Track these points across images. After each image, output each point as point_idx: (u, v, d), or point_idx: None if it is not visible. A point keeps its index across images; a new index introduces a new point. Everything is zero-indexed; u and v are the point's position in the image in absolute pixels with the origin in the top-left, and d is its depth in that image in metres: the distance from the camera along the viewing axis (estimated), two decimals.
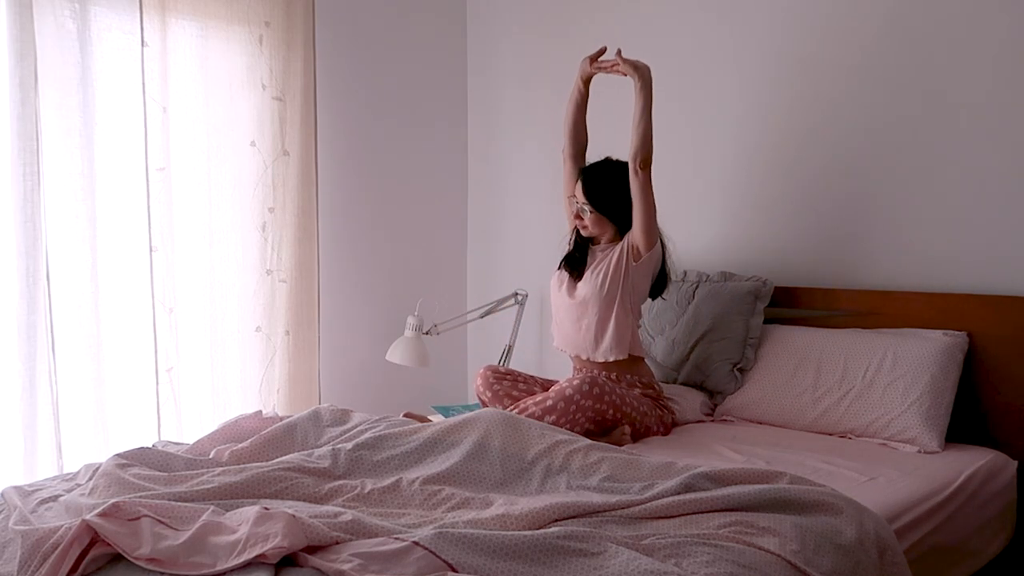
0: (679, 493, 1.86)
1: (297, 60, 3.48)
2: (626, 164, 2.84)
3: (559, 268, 2.99)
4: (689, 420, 2.92)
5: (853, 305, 2.98)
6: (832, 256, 3.09)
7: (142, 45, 3.10)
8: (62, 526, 1.65)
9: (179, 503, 1.78)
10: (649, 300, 3.00)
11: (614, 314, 2.80)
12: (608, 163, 2.91)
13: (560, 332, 2.97)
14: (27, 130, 2.84)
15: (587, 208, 2.86)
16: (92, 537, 1.61)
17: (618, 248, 2.84)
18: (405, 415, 2.68)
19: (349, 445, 2.17)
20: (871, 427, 2.67)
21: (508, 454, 2.12)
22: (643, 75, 2.75)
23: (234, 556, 1.55)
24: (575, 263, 2.94)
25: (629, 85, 2.78)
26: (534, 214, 3.99)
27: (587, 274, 2.88)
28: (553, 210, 3.88)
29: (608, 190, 2.85)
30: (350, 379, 3.83)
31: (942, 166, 2.85)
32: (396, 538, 1.59)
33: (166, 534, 1.64)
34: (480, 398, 2.89)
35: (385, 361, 3.60)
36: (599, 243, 2.93)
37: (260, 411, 2.51)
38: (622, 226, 2.87)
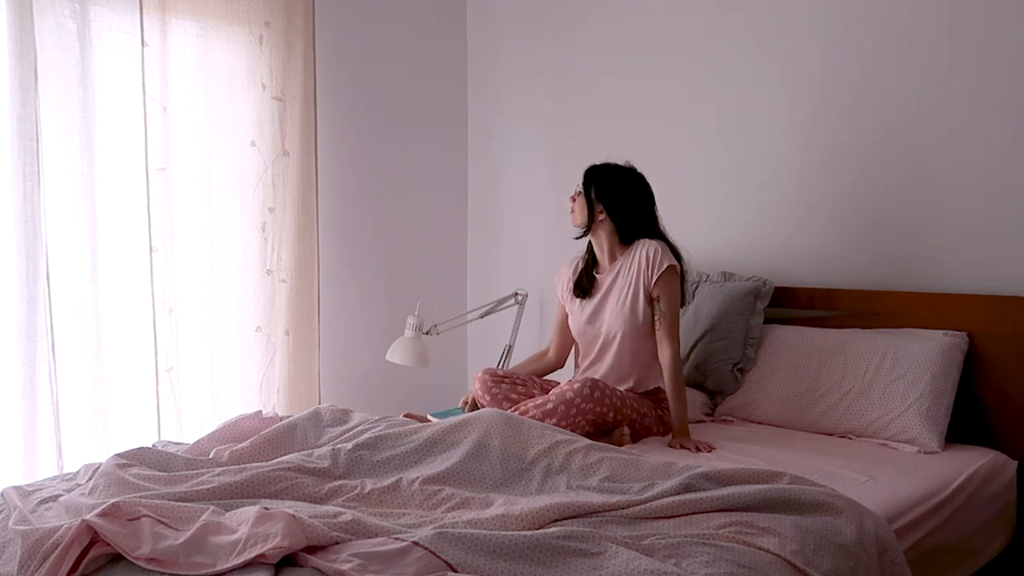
0: (679, 493, 1.86)
1: (297, 60, 3.48)
2: (630, 170, 2.85)
3: (574, 297, 2.96)
4: (688, 420, 2.92)
5: (853, 305, 2.98)
6: (832, 256, 3.09)
7: (142, 45, 3.10)
8: (62, 526, 1.65)
9: (179, 503, 1.78)
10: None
11: (644, 347, 2.80)
12: (612, 167, 2.88)
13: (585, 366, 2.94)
14: (27, 130, 2.84)
15: (580, 192, 2.86)
16: (92, 537, 1.61)
17: (636, 285, 2.79)
18: (405, 416, 2.67)
19: (349, 445, 2.17)
20: (871, 427, 2.67)
21: (508, 454, 2.12)
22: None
23: (234, 556, 1.55)
24: (583, 289, 2.93)
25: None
26: (534, 214, 3.99)
27: (609, 306, 2.85)
28: (553, 210, 3.88)
29: (606, 182, 2.84)
30: (350, 379, 3.83)
31: (942, 166, 2.84)
32: (396, 538, 1.59)
33: (166, 534, 1.64)
34: (479, 402, 2.88)
35: (385, 361, 3.60)
36: (602, 270, 2.91)
37: (260, 411, 2.51)
38: (618, 227, 2.84)
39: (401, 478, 2.03)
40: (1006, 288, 2.73)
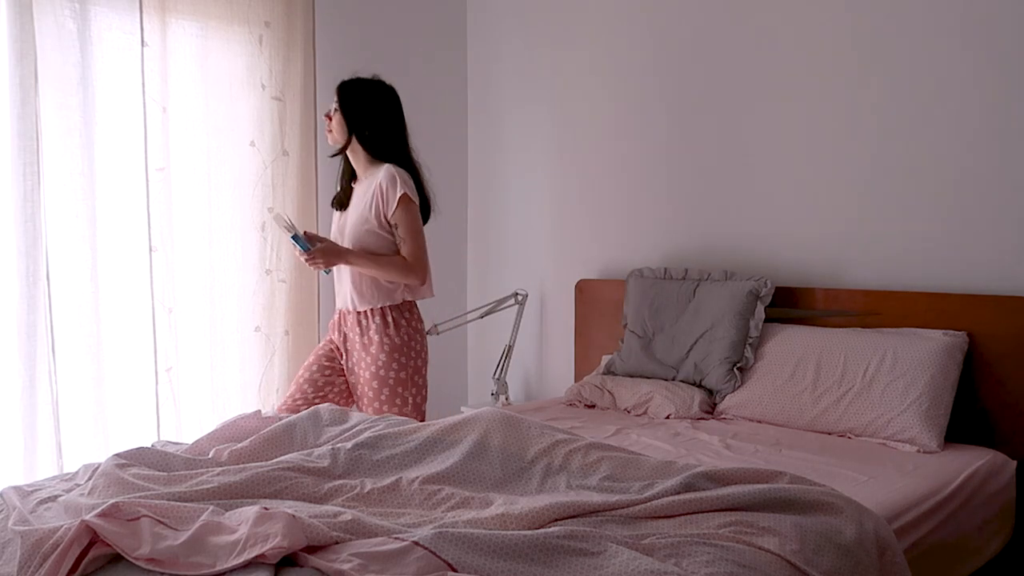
0: (679, 493, 1.86)
1: (297, 60, 3.48)
2: (380, 83, 2.92)
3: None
4: (687, 417, 2.92)
5: (853, 305, 2.98)
6: (832, 256, 3.09)
7: (142, 45, 3.10)
8: (62, 526, 1.65)
9: (178, 503, 1.78)
10: None
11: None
12: (368, 81, 2.94)
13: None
14: (27, 130, 2.84)
15: (335, 107, 2.90)
16: (91, 537, 1.61)
17: (371, 208, 2.86)
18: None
19: (348, 444, 2.17)
20: (870, 427, 2.67)
21: (508, 453, 2.12)
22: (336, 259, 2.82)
23: (234, 556, 1.55)
24: (341, 202, 3.02)
25: None
26: (534, 214, 3.99)
27: (350, 220, 2.93)
28: (553, 210, 3.88)
29: (361, 99, 2.89)
30: None
31: (942, 166, 2.84)
32: (396, 538, 1.58)
33: (165, 534, 1.64)
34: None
35: None
36: (359, 183, 2.96)
37: (259, 411, 2.51)
38: (369, 146, 2.88)
39: (401, 477, 2.03)
40: (1006, 288, 2.73)
